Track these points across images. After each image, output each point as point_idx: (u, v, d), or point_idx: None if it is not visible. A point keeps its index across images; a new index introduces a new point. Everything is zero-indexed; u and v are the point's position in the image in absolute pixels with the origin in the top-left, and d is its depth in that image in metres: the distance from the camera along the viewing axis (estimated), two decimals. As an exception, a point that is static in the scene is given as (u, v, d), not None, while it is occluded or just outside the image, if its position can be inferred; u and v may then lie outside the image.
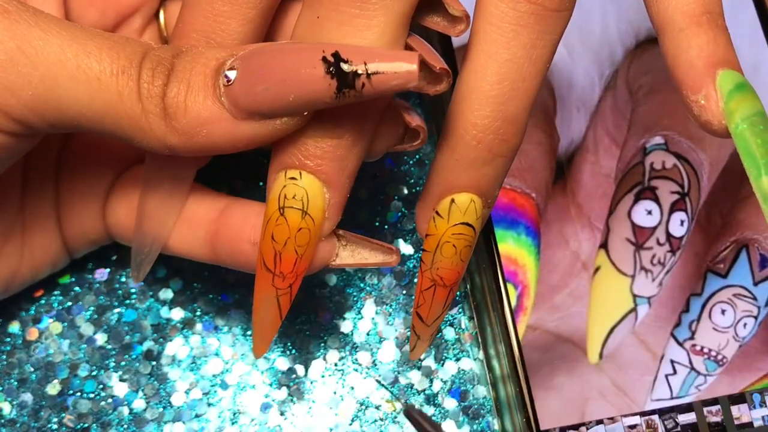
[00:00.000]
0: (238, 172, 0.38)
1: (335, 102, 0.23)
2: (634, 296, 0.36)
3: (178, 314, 0.36)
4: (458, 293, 0.37)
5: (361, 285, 0.37)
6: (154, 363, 0.35)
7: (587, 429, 0.34)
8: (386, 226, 0.38)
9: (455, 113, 0.26)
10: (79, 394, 0.35)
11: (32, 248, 0.32)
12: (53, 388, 0.35)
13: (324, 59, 0.23)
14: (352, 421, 0.36)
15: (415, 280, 0.37)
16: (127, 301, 0.36)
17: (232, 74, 0.24)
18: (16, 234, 0.31)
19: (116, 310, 0.36)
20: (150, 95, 0.24)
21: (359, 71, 0.23)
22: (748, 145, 0.25)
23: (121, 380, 0.35)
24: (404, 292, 0.37)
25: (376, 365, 0.36)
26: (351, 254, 0.29)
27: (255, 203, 0.30)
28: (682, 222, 0.37)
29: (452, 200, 0.27)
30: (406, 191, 0.38)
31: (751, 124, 0.25)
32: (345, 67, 0.23)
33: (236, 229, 0.29)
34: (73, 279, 0.36)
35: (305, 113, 0.25)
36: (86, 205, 0.32)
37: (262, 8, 0.27)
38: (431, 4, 0.26)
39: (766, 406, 0.35)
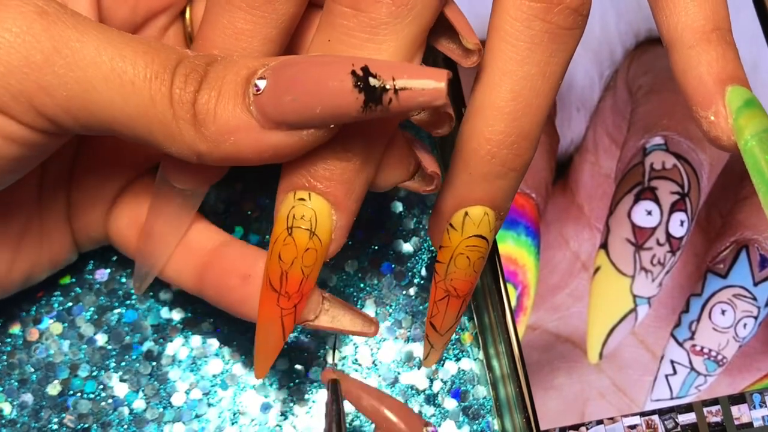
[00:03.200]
0: (241, 176, 0.38)
1: (362, 116, 0.23)
2: (634, 296, 0.36)
3: (178, 315, 0.36)
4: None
5: (361, 285, 0.37)
6: (154, 363, 0.35)
7: (587, 429, 0.34)
8: (386, 226, 0.38)
9: (469, 128, 0.27)
10: (79, 394, 0.35)
11: (50, 240, 0.32)
12: (54, 389, 0.35)
13: (353, 73, 0.23)
14: (352, 421, 0.36)
15: (416, 280, 0.37)
16: (128, 302, 0.36)
17: (262, 83, 0.24)
18: (34, 226, 0.32)
19: (116, 311, 0.36)
20: (181, 101, 0.25)
21: (387, 86, 0.23)
22: (757, 162, 0.25)
23: (122, 380, 0.35)
24: (404, 292, 0.37)
25: (376, 365, 0.36)
26: (331, 319, 0.29)
27: (255, 247, 0.31)
28: (682, 222, 0.37)
29: (466, 213, 0.27)
30: (406, 191, 0.38)
31: (760, 140, 0.25)
32: (373, 81, 0.23)
33: (228, 264, 0.30)
34: (74, 279, 0.36)
35: (332, 126, 0.25)
36: (93, 208, 0.33)
37: (284, 28, 0.27)
38: (447, 29, 0.27)
39: (766, 406, 0.35)
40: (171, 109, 0.25)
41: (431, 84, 0.23)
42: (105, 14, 0.30)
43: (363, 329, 0.29)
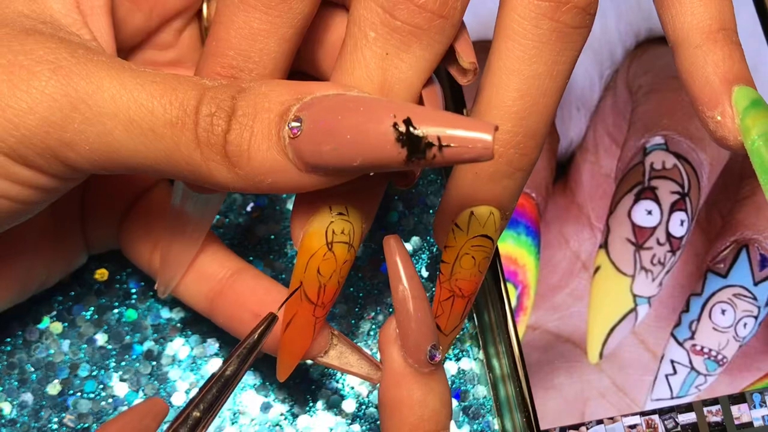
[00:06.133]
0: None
1: (403, 168, 0.23)
2: (634, 296, 0.36)
3: (178, 315, 0.36)
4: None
5: (361, 285, 0.37)
6: (154, 363, 0.35)
7: (587, 429, 0.34)
8: (386, 226, 0.38)
9: None
10: (79, 394, 0.35)
11: (64, 246, 0.33)
12: (54, 388, 0.35)
13: (395, 126, 0.22)
14: (352, 421, 0.36)
15: (415, 280, 0.37)
16: (128, 302, 0.36)
17: (298, 126, 0.23)
18: (49, 234, 0.32)
19: (116, 310, 0.36)
20: (210, 143, 0.24)
21: (432, 142, 0.22)
22: (763, 162, 0.25)
23: (122, 380, 0.35)
24: (404, 292, 0.37)
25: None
26: (338, 356, 0.29)
27: (266, 277, 0.31)
28: (682, 222, 0.37)
29: (471, 213, 0.27)
30: (406, 191, 0.38)
31: (767, 140, 0.25)
32: (416, 133, 0.22)
33: (242, 297, 0.31)
34: (74, 279, 0.36)
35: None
36: (106, 216, 0.33)
37: (299, 27, 0.26)
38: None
39: (766, 406, 0.35)
40: (198, 152, 0.24)
41: (478, 136, 0.21)
42: (120, 21, 0.30)
43: (368, 373, 0.29)
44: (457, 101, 0.37)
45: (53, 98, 0.24)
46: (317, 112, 0.23)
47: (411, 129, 0.22)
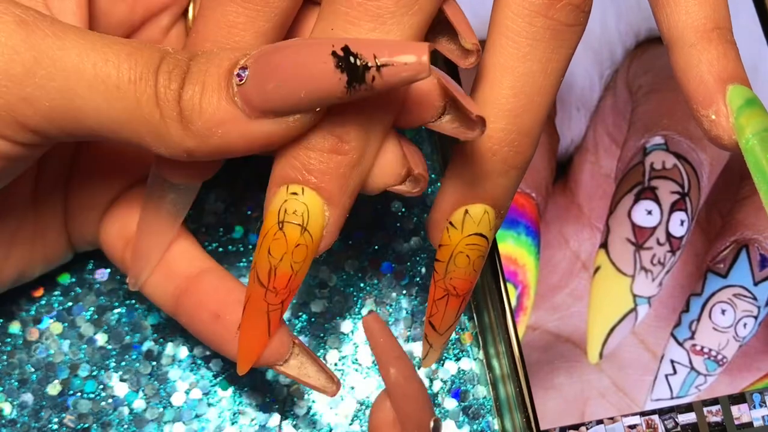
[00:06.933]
0: (240, 175, 0.38)
1: (347, 97, 0.23)
2: (634, 296, 0.36)
3: (178, 314, 0.36)
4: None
5: (361, 285, 0.37)
6: (154, 363, 0.35)
7: (587, 429, 0.34)
8: (386, 226, 0.38)
9: None
10: (79, 394, 0.35)
11: (44, 240, 0.32)
12: (54, 389, 0.35)
13: (333, 53, 0.23)
14: (352, 421, 0.36)
15: (416, 280, 0.37)
16: (128, 302, 0.36)
17: (244, 73, 0.24)
18: (28, 225, 0.32)
19: (116, 311, 0.36)
20: (167, 99, 0.24)
21: (369, 64, 0.23)
22: (758, 161, 0.25)
23: (122, 380, 0.35)
24: (404, 292, 0.37)
25: (376, 365, 0.36)
26: (298, 366, 0.29)
27: (232, 278, 0.31)
28: (682, 222, 0.37)
29: (466, 211, 0.27)
30: (406, 191, 0.38)
31: (761, 139, 0.25)
32: (354, 58, 0.23)
33: (204, 296, 0.30)
34: (74, 279, 0.36)
35: (318, 110, 0.24)
36: (88, 211, 0.33)
37: (277, 22, 0.27)
38: (446, 28, 0.27)
39: (766, 406, 0.35)
40: (158, 109, 0.24)
41: (413, 58, 0.22)
42: (100, 13, 0.30)
43: (324, 386, 0.29)
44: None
45: (15, 50, 0.24)
46: (262, 58, 0.24)
47: (349, 55, 0.23)
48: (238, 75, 0.24)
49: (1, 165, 0.25)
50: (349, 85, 0.23)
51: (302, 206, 0.26)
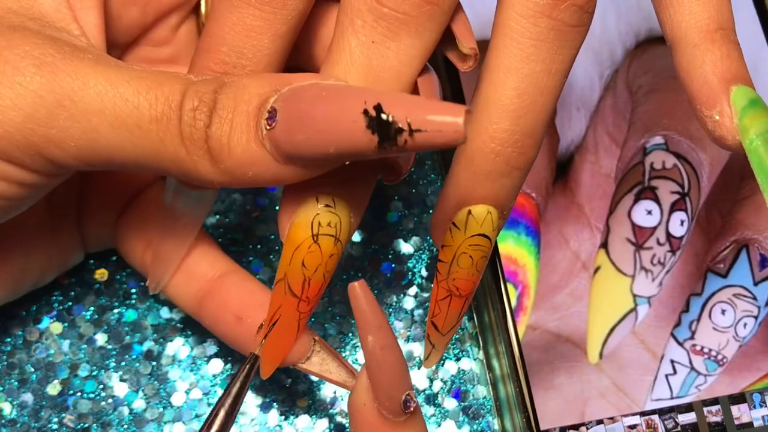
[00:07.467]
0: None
1: (377, 155, 0.23)
2: (634, 296, 0.36)
3: (178, 315, 0.36)
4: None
5: (361, 285, 0.37)
6: (154, 363, 0.35)
7: (587, 429, 0.34)
8: (386, 226, 0.38)
9: (473, 125, 0.26)
10: (79, 394, 0.35)
11: (60, 244, 0.33)
12: (53, 389, 0.35)
13: (365, 112, 0.22)
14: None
15: (416, 280, 0.37)
16: (128, 302, 0.36)
17: (273, 117, 0.23)
18: (45, 232, 0.32)
19: (116, 311, 0.36)
20: (192, 138, 0.24)
21: (402, 127, 0.21)
22: (761, 161, 0.25)
23: (122, 380, 0.35)
24: (404, 292, 0.37)
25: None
26: (320, 362, 0.29)
27: (253, 280, 0.31)
28: (682, 222, 0.37)
29: (469, 212, 0.27)
30: (406, 191, 0.38)
31: (765, 140, 0.25)
32: (386, 119, 0.22)
33: (224, 299, 0.30)
34: (74, 279, 0.36)
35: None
36: (103, 215, 0.33)
37: (294, 24, 0.26)
38: (446, 31, 0.27)
39: (766, 406, 0.35)
40: (183, 147, 0.24)
41: (448, 119, 0.21)
42: (114, 16, 0.30)
43: (345, 380, 0.29)
44: (455, 93, 0.36)
45: (38, 94, 0.24)
46: (291, 103, 0.23)
47: (381, 115, 0.22)
48: (268, 118, 0.23)
49: (28, 192, 0.26)
50: (380, 145, 0.22)
51: (336, 218, 0.26)
